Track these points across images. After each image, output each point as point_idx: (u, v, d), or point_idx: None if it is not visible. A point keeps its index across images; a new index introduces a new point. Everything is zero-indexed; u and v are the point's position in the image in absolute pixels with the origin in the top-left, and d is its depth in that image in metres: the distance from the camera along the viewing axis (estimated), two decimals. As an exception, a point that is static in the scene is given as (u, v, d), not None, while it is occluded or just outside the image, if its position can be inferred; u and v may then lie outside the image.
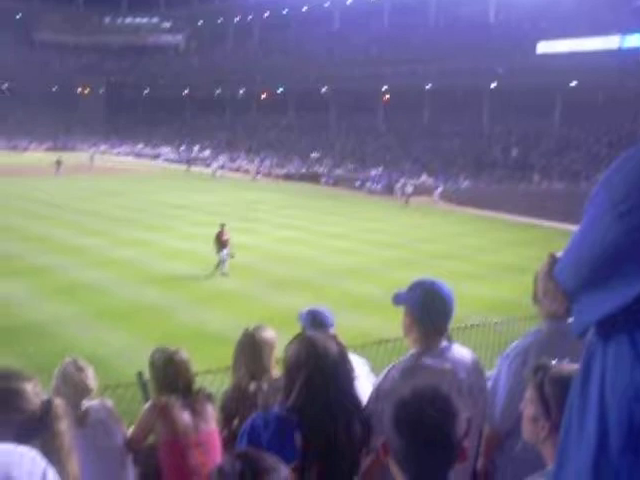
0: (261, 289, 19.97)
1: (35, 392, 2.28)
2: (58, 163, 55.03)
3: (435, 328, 3.21)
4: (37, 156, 72.04)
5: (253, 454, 1.65)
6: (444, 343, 3.26)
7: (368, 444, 2.89)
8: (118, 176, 57.17)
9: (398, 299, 3.27)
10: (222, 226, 22.03)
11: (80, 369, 3.91)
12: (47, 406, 2.23)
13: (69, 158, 65.01)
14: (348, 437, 2.80)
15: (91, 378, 3.94)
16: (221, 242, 21.49)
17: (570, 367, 2.26)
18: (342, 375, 2.88)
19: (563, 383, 2.13)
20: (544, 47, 55.25)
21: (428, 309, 3.18)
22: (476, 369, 3.29)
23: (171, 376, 3.93)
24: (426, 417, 2.01)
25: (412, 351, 3.25)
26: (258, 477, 1.57)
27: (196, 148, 77.83)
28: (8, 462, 1.91)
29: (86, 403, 3.90)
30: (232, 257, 21.47)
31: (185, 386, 3.97)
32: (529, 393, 2.36)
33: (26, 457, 1.96)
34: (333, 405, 2.79)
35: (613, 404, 1.11)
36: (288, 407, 2.80)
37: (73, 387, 3.85)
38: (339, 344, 2.95)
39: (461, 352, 3.32)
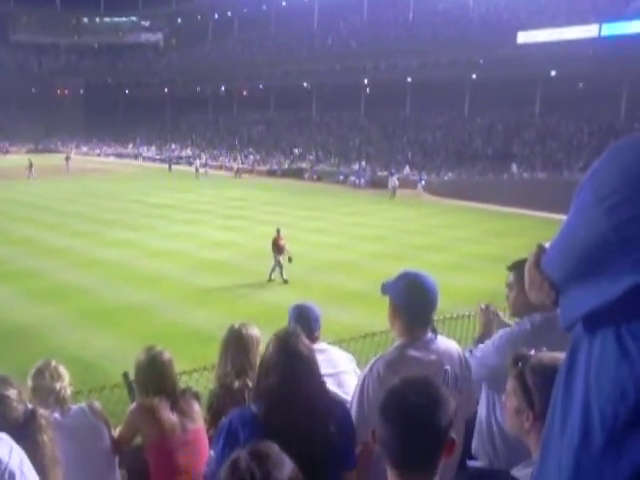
0: (247, 286, 19.95)
1: (19, 399, 2.25)
2: (30, 166, 53.75)
3: (417, 319, 3.21)
4: (18, 159, 71.41)
5: (264, 450, 1.66)
6: (429, 335, 3.26)
7: (347, 439, 2.90)
8: (100, 177, 56.85)
9: (385, 289, 3.29)
10: (278, 231, 21.15)
11: (47, 363, 3.89)
12: (30, 415, 2.20)
13: (50, 160, 64.54)
14: (324, 434, 2.78)
15: (59, 367, 3.91)
16: (278, 247, 20.68)
17: (550, 356, 2.25)
18: (315, 374, 2.87)
19: (545, 372, 2.13)
20: (524, 37, 55.37)
21: (409, 300, 3.18)
22: (461, 361, 3.30)
23: (156, 377, 3.91)
24: (409, 403, 2.02)
25: (397, 343, 3.25)
26: (268, 471, 1.57)
27: (174, 146, 77.66)
28: None
29: (61, 386, 3.86)
30: (290, 262, 20.63)
31: (170, 386, 3.96)
32: (510, 385, 2.35)
33: None
34: (305, 403, 2.78)
35: (597, 400, 1.09)
36: (262, 406, 2.81)
37: (46, 377, 3.82)
38: (308, 344, 2.95)
39: (446, 344, 3.32)
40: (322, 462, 2.71)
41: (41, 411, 2.25)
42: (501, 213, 36.97)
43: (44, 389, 3.74)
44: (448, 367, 3.19)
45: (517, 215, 35.63)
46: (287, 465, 1.63)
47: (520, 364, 2.30)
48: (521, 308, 3.33)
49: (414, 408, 2.02)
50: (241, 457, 1.61)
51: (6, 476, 1.91)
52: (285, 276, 20.47)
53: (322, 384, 2.94)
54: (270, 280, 20.44)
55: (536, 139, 52.21)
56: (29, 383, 3.81)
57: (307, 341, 2.95)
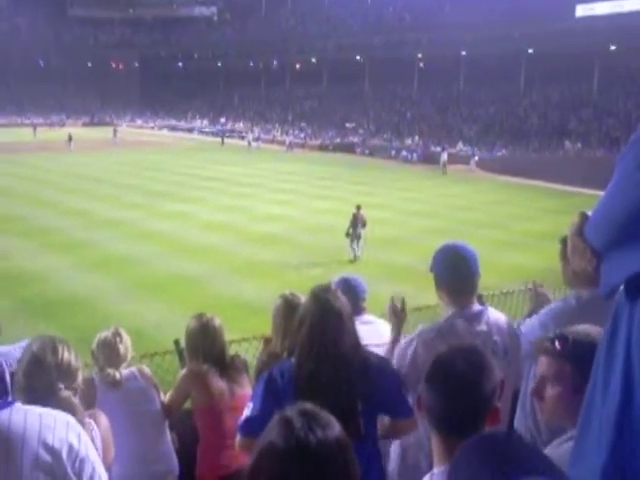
0: (297, 259, 19.99)
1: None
2: (69, 139, 54.89)
3: (459, 289, 3.24)
4: (74, 131, 72.63)
5: (313, 410, 1.68)
6: (478, 307, 3.28)
7: (389, 391, 2.97)
8: (153, 150, 57.48)
9: (431, 266, 3.33)
10: (358, 208, 20.75)
11: (116, 334, 3.98)
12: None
13: (101, 133, 65.22)
14: (357, 387, 2.85)
15: (125, 343, 4.01)
16: (357, 224, 20.38)
17: (590, 328, 2.19)
18: (346, 327, 2.92)
19: (592, 344, 2.08)
20: (582, 10, 53.92)
21: (447, 271, 3.24)
22: (511, 332, 3.31)
23: (207, 343, 3.99)
24: (456, 370, 2.04)
25: (446, 314, 3.28)
26: (322, 430, 1.58)
27: (224, 120, 77.99)
28: (43, 425, 1.95)
29: (123, 369, 3.99)
30: (347, 236, 20.34)
31: (220, 352, 4.04)
32: (551, 370, 2.19)
33: (60, 422, 2.00)
34: (335, 355, 2.85)
35: (638, 362, 1.10)
36: (296, 357, 2.92)
37: (109, 352, 3.93)
38: (342, 300, 2.99)
39: (495, 315, 3.36)
40: (355, 413, 2.78)
41: (75, 401, 2.36)
42: (556, 190, 36.32)
43: (104, 365, 3.91)
44: (497, 338, 3.20)
45: (572, 193, 34.90)
46: (335, 424, 1.65)
47: (560, 344, 2.15)
48: (573, 280, 3.30)
49: (460, 375, 2.04)
50: (293, 416, 1.62)
51: (77, 464, 1.97)
52: (356, 253, 20.24)
53: (354, 337, 2.98)
54: (357, 258, 20.08)
55: (593, 116, 50.95)
56: (100, 346, 3.95)
57: (342, 298, 2.99)
